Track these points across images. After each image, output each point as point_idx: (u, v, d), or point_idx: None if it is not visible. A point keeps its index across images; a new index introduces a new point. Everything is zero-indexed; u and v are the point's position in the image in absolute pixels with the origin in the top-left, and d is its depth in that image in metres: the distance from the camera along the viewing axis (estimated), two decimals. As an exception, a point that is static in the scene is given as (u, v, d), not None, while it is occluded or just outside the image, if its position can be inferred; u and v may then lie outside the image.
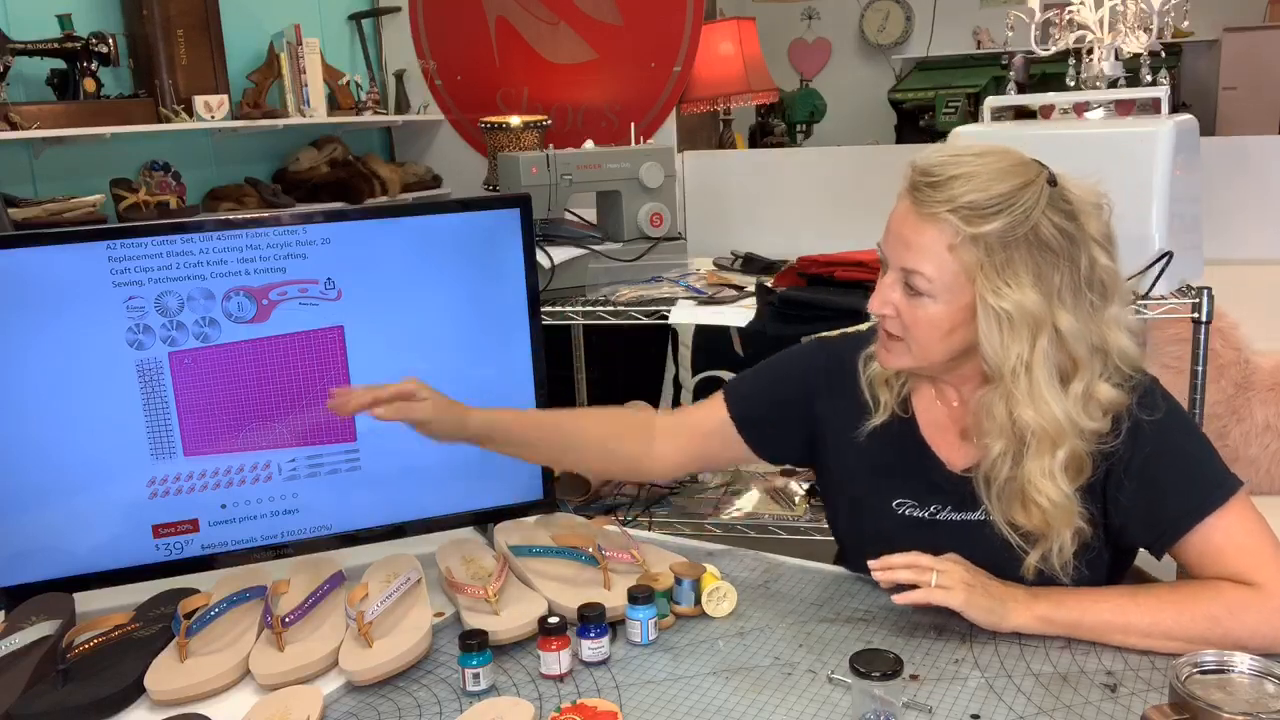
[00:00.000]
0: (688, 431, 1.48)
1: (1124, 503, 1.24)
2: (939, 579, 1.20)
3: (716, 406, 1.46)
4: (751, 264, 2.56)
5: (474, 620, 1.29)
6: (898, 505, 1.35)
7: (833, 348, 1.46)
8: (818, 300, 2.12)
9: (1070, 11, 2.13)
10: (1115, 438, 1.22)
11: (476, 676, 1.19)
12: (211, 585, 1.42)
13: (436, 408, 1.32)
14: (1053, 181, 1.20)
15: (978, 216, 1.17)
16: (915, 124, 5.29)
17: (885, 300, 1.25)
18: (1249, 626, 1.16)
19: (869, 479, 1.38)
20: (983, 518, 1.28)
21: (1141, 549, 1.34)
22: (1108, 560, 1.30)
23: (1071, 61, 2.17)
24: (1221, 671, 1.06)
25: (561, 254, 2.44)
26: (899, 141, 5.38)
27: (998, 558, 1.26)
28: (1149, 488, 1.23)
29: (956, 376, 1.31)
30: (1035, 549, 1.23)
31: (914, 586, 1.21)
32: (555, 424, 1.46)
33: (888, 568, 1.22)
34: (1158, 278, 1.90)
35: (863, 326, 1.45)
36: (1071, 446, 1.21)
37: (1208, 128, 3.72)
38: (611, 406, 1.57)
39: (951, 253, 1.18)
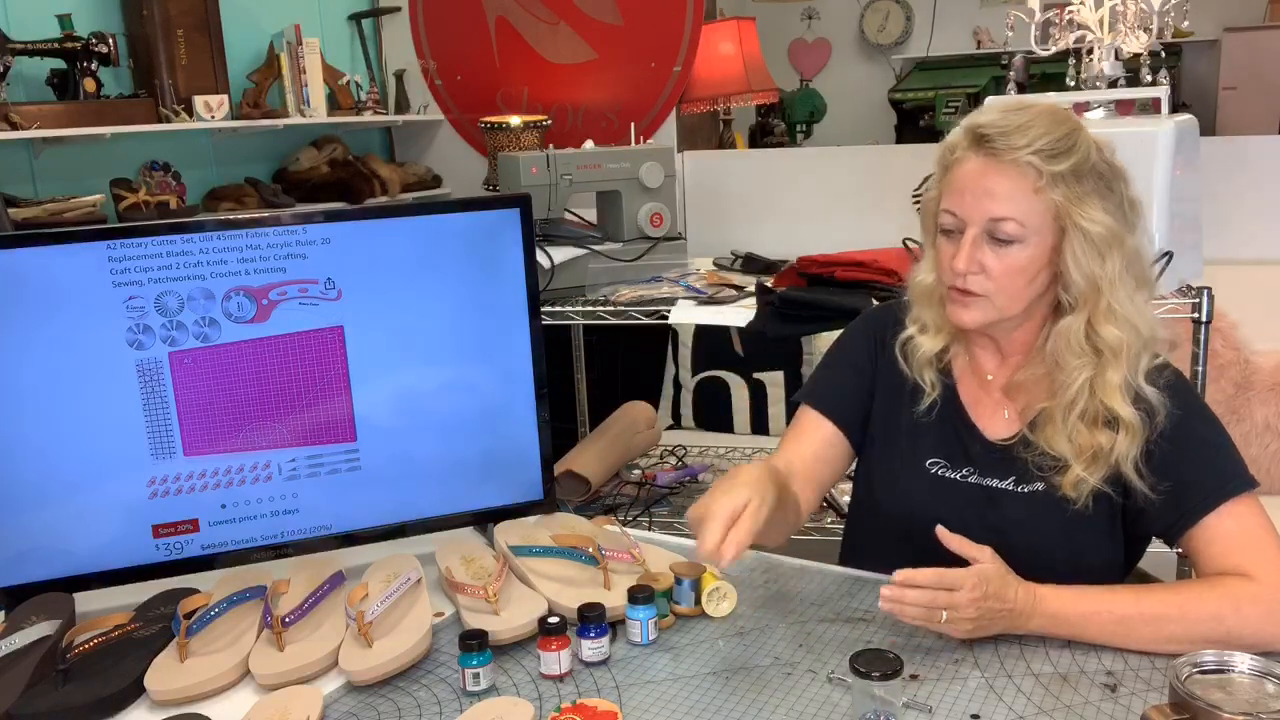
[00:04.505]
0: (804, 463, 1.43)
1: (1149, 478, 1.25)
2: (948, 621, 1.17)
3: (804, 420, 1.46)
4: (751, 264, 2.56)
5: (474, 620, 1.29)
6: (931, 464, 1.39)
7: (891, 311, 1.49)
8: (818, 300, 2.12)
9: (1070, 11, 2.13)
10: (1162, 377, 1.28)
11: (476, 676, 1.19)
12: (211, 585, 1.42)
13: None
14: None
15: (1054, 156, 1.24)
16: (915, 124, 5.29)
17: (971, 258, 1.27)
18: (1252, 623, 1.17)
19: (908, 437, 1.41)
20: (1010, 487, 1.33)
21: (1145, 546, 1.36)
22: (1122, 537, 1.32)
23: (1071, 61, 2.17)
24: (1221, 671, 1.07)
25: (561, 254, 2.43)
26: (899, 141, 5.37)
27: (1018, 526, 1.30)
28: (1179, 461, 1.26)
29: (1010, 340, 1.35)
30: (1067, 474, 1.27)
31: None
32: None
33: (900, 601, 1.16)
34: (1158, 278, 1.89)
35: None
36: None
37: (1208, 128, 3.72)
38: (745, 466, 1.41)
39: (1037, 194, 1.25)
